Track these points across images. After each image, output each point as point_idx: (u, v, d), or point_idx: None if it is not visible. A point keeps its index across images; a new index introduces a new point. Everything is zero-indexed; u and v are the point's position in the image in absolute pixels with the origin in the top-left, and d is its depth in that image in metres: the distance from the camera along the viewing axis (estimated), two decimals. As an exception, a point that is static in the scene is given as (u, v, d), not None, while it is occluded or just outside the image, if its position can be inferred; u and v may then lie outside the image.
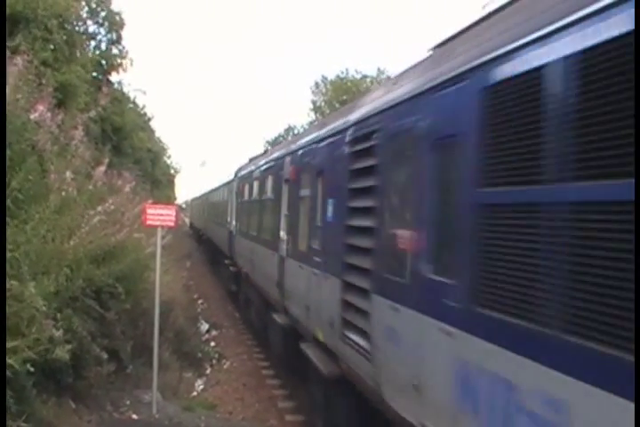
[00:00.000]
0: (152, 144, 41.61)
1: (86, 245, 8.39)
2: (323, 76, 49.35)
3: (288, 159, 10.96)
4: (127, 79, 51.78)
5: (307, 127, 52.40)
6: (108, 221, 9.65)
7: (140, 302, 10.90)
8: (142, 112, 37.88)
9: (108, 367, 8.34)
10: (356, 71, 47.32)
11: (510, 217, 3.68)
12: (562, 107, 3.21)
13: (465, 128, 4.25)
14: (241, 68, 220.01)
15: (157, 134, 51.02)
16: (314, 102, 48.75)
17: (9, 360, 4.80)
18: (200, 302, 21.81)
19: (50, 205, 7.15)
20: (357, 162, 6.66)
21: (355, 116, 7.16)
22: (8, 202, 6.29)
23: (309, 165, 9.20)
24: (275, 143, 59.07)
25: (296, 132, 55.60)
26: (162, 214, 10.35)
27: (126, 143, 25.48)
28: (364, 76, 46.34)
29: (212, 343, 16.46)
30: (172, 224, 10.46)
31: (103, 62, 21.49)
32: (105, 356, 8.27)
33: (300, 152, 10.05)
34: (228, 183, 21.65)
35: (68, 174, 7.90)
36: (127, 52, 22.35)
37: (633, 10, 2.74)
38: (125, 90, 28.47)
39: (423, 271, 4.85)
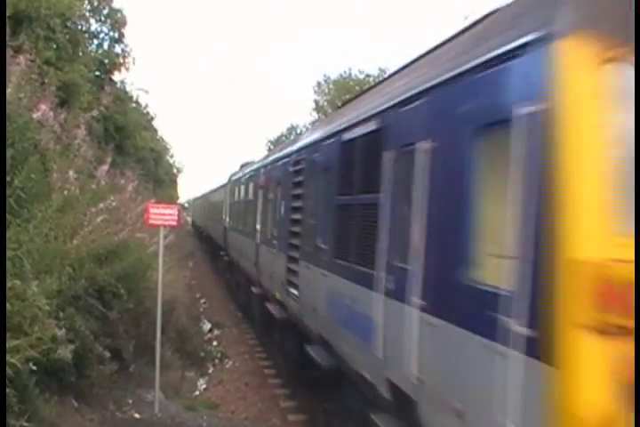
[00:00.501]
0: (155, 143, 41.57)
1: (89, 245, 8.40)
2: (325, 76, 49.32)
3: (262, 171, 14.44)
4: (130, 78, 51.61)
5: (309, 127, 52.61)
6: (110, 220, 9.68)
7: (143, 302, 10.92)
8: (145, 111, 37.85)
9: (111, 366, 8.36)
10: (359, 71, 47.31)
11: (345, 211, 7.10)
12: (358, 159, 6.65)
13: (334, 164, 7.74)
14: (244, 68, 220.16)
15: (160, 133, 50.94)
16: (316, 102, 48.82)
17: (12, 359, 4.81)
18: (202, 301, 21.84)
19: (52, 204, 7.16)
20: (295, 177, 10.21)
21: (295, 147, 10.95)
22: (11, 201, 6.31)
23: (273, 176, 12.76)
24: (277, 143, 59.17)
25: (298, 131, 55.61)
26: (164, 214, 10.44)
27: (129, 142, 25.52)
28: (367, 76, 46.34)
29: (215, 343, 16.49)
30: (174, 224, 10.55)
31: (106, 61, 21.45)
32: (107, 355, 8.31)
33: (269, 167, 13.58)
34: (223, 186, 25.00)
35: (71, 173, 7.92)
36: (130, 51, 22.34)
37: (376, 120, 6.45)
38: (128, 89, 28.43)
39: (317, 243, 8.31)
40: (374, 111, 6.24)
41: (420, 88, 4.97)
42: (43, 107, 7.54)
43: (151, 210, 10.46)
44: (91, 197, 9.38)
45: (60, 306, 6.62)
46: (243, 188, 17.67)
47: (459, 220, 4.00)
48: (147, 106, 38.08)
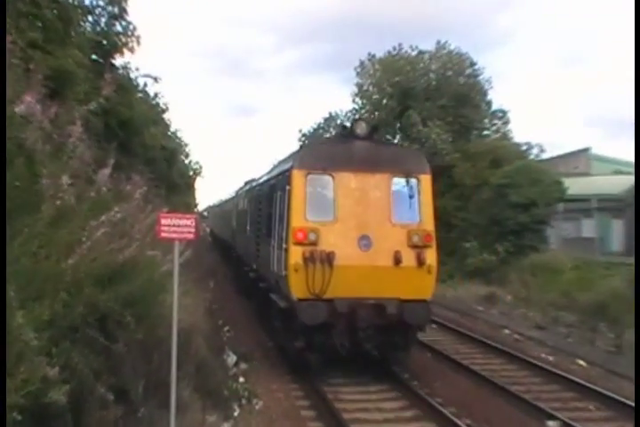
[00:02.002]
0: (167, 141, 41.42)
1: (88, 264, 8.40)
2: (369, 55, 48.62)
3: (250, 190, 26.78)
4: (135, 63, 51.66)
5: (349, 116, 52.61)
6: (114, 234, 9.67)
7: (155, 331, 10.89)
8: (154, 102, 37.99)
9: (115, 411, 8.31)
10: (411, 47, 46.82)
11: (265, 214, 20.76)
12: (268, 194, 20.50)
13: (262, 194, 22.39)
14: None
15: (173, 128, 51.14)
16: (359, 86, 48.50)
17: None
18: (226, 328, 21.83)
19: (42, 216, 7.14)
20: (256, 198, 23.45)
21: (255, 182, 25.65)
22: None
23: (253, 195, 24.76)
24: (311, 136, 59.25)
25: (338, 122, 55.49)
26: (179, 225, 10.63)
27: (136, 140, 25.52)
28: (421, 52, 45.92)
29: (241, 379, 16.40)
30: (191, 237, 10.65)
31: (104, 42, 21.18)
32: (111, 397, 8.26)
33: (248, 188, 27.53)
34: (232, 198, 38.77)
35: (65, 179, 7.90)
36: (133, 29, 22.06)
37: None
38: (133, 76, 28.55)
39: (259, 230, 21.68)
40: (271, 177, 20.10)
41: (271, 175, 20.03)
42: (28, 99, 7.52)
43: (163, 221, 10.61)
44: (90, 208, 9.40)
45: (53, 339, 6.58)
46: (243, 200, 29.94)
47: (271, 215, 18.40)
48: (156, 96, 38.28)
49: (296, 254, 15.75)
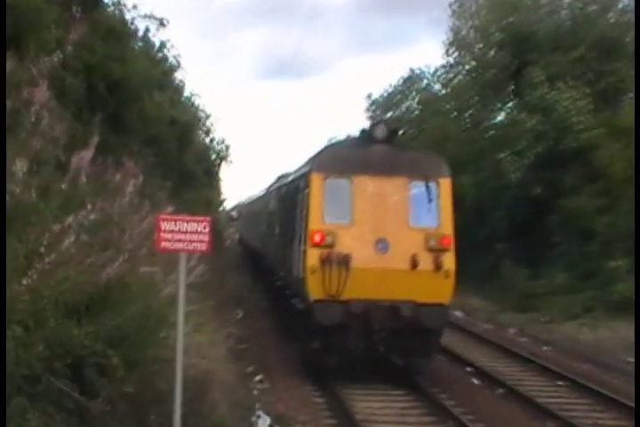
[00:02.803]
0: (178, 111, 38.26)
1: (55, 286, 8.39)
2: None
3: (279, 187, 33.72)
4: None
5: (439, 75, 52.60)
6: (93, 243, 9.69)
7: (152, 382, 10.89)
8: (160, 56, 36.58)
9: None
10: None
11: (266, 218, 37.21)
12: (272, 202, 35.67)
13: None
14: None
15: (187, 93, 49.27)
16: (455, 31, 47.86)
17: None
18: (258, 378, 21.84)
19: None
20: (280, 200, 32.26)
21: (276, 185, 36.94)
22: None
23: (279, 194, 32.93)
24: (384, 104, 59.20)
25: (424, 83, 55.30)
26: (186, 232, 10.78)
27: (132, 110, 24.77)
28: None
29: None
30: (203, 248, 10.98)
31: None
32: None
33: (278, 186, 34.41)
34: (263, 195, 44.77)
35: (20, 165, 7.91)
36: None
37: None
38: (129, 17, 27.74)
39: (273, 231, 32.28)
40: (295, 177, 26.78)
41: (295, 176, 26.89)
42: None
43: (164, 226, 10.81)
44: (60, 205, 9.41)
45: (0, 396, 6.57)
46: (272, 201, 36.07)
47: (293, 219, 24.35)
48: (163, 47, 36.71)
49: (313, 256, 20.91)
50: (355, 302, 20.51)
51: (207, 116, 57.70)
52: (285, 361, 24.41)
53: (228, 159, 65.07)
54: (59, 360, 8.38)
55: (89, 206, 9.17)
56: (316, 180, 21.62)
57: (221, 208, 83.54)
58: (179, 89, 44.51)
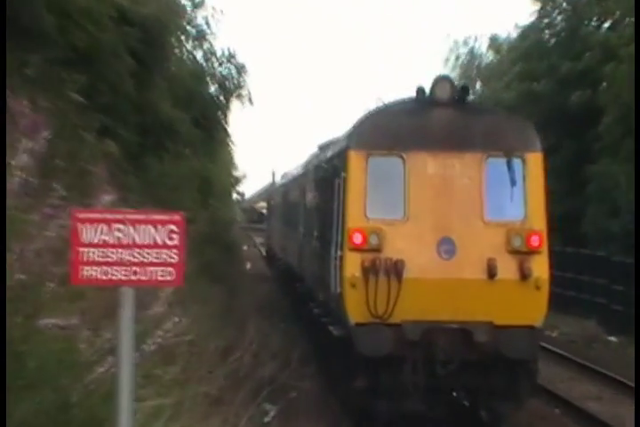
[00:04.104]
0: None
1: None
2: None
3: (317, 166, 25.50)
4: None
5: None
6: None
7: None
8: None
9: None
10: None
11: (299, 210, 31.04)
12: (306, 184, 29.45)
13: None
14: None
15: None
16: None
17: None
18: None
19: None
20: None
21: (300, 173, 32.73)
22: None
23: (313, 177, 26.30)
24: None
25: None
26: (133, 245, 6.89)
27: None
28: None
29: None
30: (168, 279, 7.06)
31: None
32: None
33: (317, 164, 25.94)
34: (300, 176, 33.32)
35: None
36: None
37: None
38: None
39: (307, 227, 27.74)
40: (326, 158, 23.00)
41: (329, 155, 22.32)
42: None
43: (84, 233, 6.83)
44: None
45: None
46: (310, 185, 27.51)
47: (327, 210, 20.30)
48: None
49: (353, 264, 16.57)
50: (411, 325, 16.24)
51: (197, 3, 34.68)
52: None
53: (244, 94, 38.88)
54: None
55: None
56: (355, 160, 17.07)
57: (235, 196, 59.67)
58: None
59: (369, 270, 16.23)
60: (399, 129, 17.08)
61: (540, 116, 40.27)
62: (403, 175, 16.79)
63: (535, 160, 17.14)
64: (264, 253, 58.05)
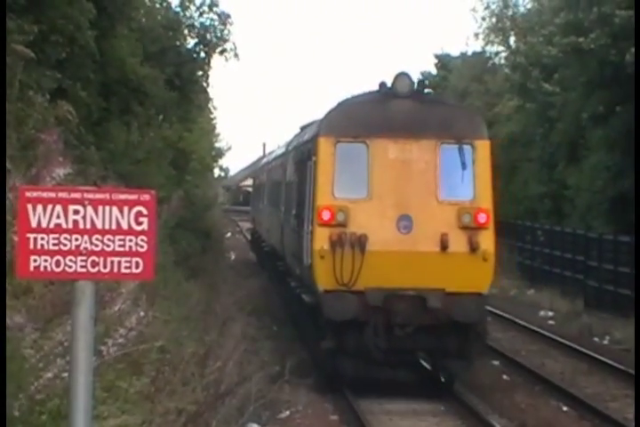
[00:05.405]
0: None
1: None
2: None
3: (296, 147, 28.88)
4: None
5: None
6: None
7: None
8: None
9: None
10: None
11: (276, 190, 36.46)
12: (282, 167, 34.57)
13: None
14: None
15: None
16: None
17: None
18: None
19: None
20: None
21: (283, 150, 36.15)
22: None
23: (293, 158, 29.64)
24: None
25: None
26: (94, 231, 6.17)
27: None
28: None
29: None
30: (136, 272, 6.26)
31: None
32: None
33: (296, 145, 28.97)
34: (282, 156, 35.12)
35: None
36: None
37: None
38: None
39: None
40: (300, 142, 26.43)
41: (303, 140, 25.80)
42: None
43: (33, 214, 6.06)
44: None
45: None
46: (291, 166, 29.16)
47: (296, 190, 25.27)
48: None
49: (322, 238, 19.21)
50: (372, 291, 18.95)
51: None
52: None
53: (228, 49, 35.04)
54: None
55: None
56: (324, 145, 19.86)
57: (217, 172, 55.44)
58: None
59: (336, 244, 18.96)
60: (364, 118, 19.91)
61: (589, 77, 38.72)
62: (367, 159, 19.54)
63: (483, 147, 19.89)
64: (249, 238, 55.76)
